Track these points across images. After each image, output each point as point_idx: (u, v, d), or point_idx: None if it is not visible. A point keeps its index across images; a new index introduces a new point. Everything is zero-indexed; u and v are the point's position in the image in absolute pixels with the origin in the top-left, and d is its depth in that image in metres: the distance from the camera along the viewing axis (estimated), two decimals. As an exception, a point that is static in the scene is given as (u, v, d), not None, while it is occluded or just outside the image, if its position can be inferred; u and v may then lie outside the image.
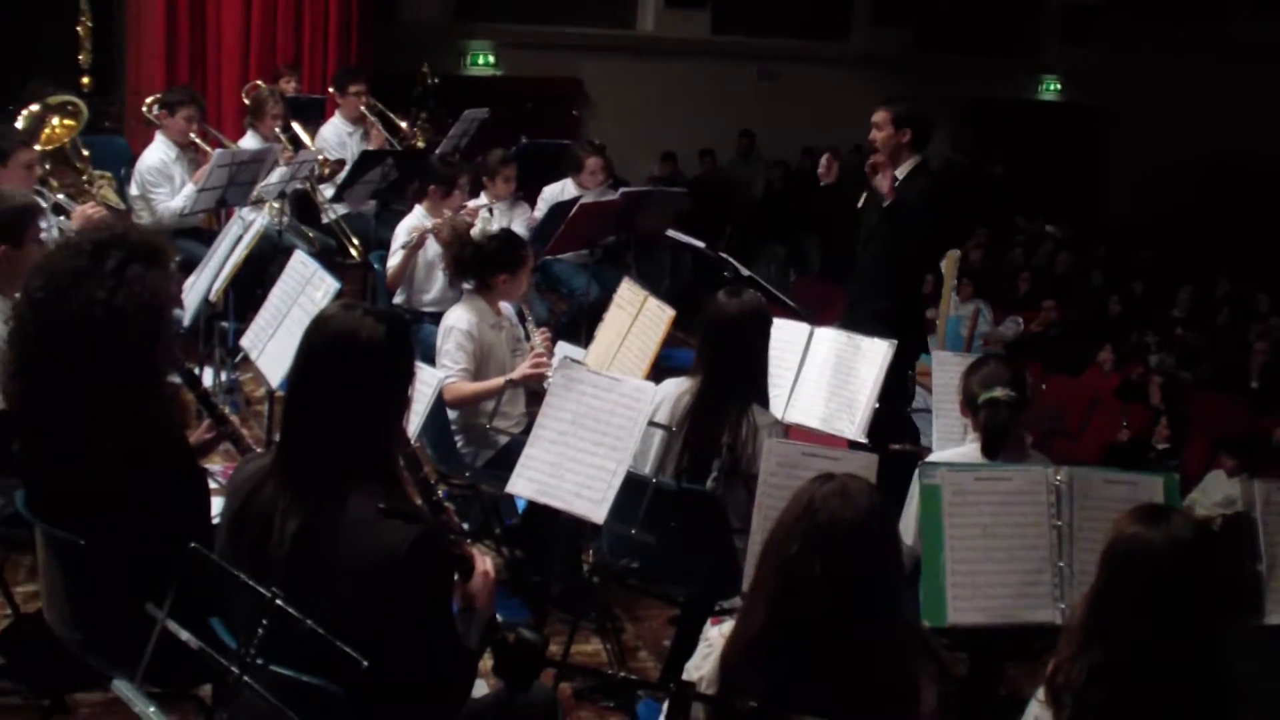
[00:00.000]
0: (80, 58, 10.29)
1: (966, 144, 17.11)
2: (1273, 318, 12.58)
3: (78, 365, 3.36)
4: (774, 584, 2.77)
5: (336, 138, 9.38)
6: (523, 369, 5.41)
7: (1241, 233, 15.77)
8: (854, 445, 4.97)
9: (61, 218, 6.39)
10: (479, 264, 5.63)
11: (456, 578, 3.11)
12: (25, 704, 4.39)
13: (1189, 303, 13.05)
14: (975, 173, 16.82)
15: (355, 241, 8.67)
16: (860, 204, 6.52)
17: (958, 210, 12.19)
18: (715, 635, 2.95)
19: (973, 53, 17.13)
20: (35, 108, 7.96)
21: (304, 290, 5.21)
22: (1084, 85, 17.99)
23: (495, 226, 5.73)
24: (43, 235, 4.69)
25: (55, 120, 7.95)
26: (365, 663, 2.57)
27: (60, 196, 6.86)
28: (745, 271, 6.46)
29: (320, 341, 2.93)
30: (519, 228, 8.04)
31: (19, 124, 7.66)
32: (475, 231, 5.59)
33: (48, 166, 7.06)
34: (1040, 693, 2.97)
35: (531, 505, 4.74)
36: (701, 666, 2.92)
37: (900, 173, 6.43)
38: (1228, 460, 8.39)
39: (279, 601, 2.64)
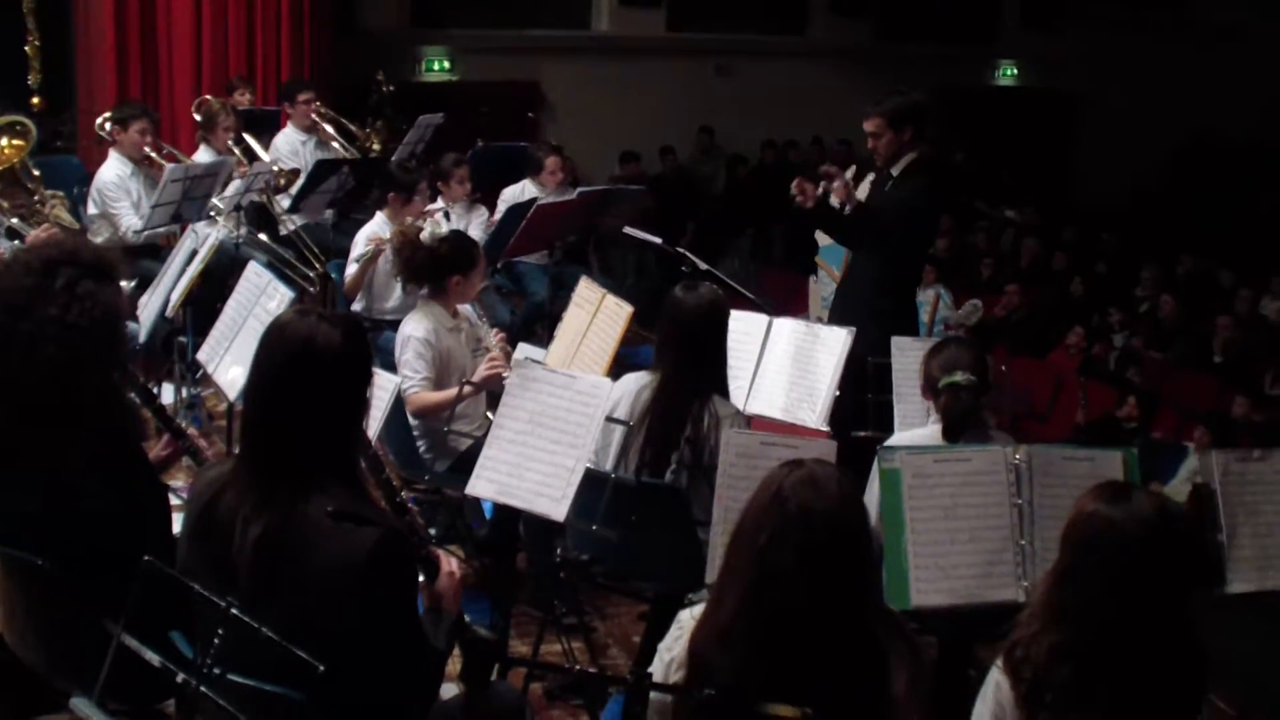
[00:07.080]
0: (30, 78, 10.20)
1: (930, 133, 17.12)
2: (1239, 292, 12.61)
3: (34, 384, 3.33)
4: (747, 573, 2.74)
5: (290, 147, 9.30)
6: (481, 372, 5.38)
7: (1207, 213, 15.85)
8: (818, 434, 4.98)
9: (16, 242, 6.36)
10: (431, 268, 5.59)
11: (422, 579, 3.10)
12: (-11, 728, 4.37)
13: (1152, 282, 13.06)
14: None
15: (316, 251, 8.63)
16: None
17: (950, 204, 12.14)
18: (686, 618, 2.94)
19: (932, 41, 17.17)
20: (-19, 129, 7.91)
21: (259, 301, 5.19)
22: (1044, 71, 18.06)
23: (445, 229, 5.70)
24: (-5, 260, 4.65)
25: (4, 140, 7.89)
26: (321, 668, 2.56)
27: (14, 220, 6.83)
28: (703, 266, 6.44)
29: (276, 348, 2.92)
30: (476, 231, 8.02)
31: (-35, 146, 7.63)
32: (425, 235, 5.56)
33: (-1, 189, 7.02)
34: (1000, 660, 2.96)
35: (499, 508, 4.74)
36: (673, 649, 2.92)
37: (896, 170, 6.25)
38: (1200, 435, 8.45)
39: (234, 610, 2.62)
